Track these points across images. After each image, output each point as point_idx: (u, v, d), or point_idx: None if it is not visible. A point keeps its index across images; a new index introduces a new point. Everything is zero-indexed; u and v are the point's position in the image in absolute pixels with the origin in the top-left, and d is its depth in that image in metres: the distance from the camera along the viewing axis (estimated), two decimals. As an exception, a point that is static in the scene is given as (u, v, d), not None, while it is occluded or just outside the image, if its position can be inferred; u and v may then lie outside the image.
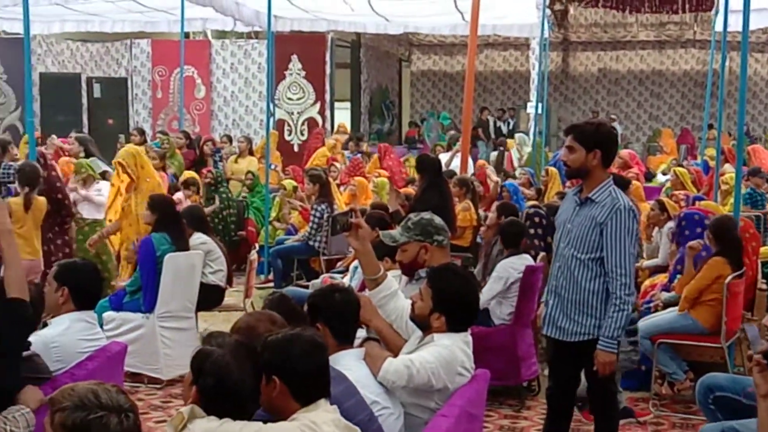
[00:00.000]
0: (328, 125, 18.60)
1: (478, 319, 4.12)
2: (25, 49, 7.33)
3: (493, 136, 21.21)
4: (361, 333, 3.79)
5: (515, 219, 6.84)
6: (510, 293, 6.14)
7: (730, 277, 5.87)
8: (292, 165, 13.42)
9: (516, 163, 15.20)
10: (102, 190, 8.42)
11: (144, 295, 6.51)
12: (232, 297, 7.80)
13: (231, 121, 19.52)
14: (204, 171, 11.11)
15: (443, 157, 11.77)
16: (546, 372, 5.18)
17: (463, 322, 3.66)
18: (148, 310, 6.49)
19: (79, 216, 8.24)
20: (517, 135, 16.95)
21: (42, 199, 7.14)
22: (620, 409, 5.19)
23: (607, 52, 24.74)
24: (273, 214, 10.74)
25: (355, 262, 6.04)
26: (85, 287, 4.30)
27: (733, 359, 6.14)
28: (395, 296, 3.87)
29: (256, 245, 9.35)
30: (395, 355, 3.57)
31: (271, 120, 14.48)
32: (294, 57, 18.80)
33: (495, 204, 8.24)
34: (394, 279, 4.00)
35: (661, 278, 7.40)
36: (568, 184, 10.36)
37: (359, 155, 14.14)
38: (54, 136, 13.26)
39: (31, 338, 3.78)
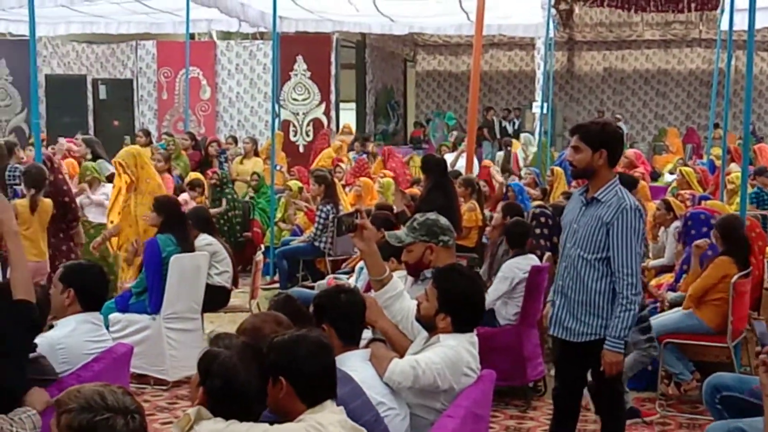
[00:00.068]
0: (333, 126, 18.58)
1: (484, 319, 4.11)
2: (30, 51, 7.33)
3: (498, 136, 21.20)
4: (366, 334, 3.79)
5: (520, 219, 6.84)
6: (515, 293, 6.14)
7: (736, 277, 5.87)
8: (298, 166, 13.40)
9: (521, 163, 15.19)
10: (108, 194, 8.40)
11: (150, 297, 6.51)
12: (237, 298, 7.81)
13: (236, 122, 19.52)
14: (209, 172, 11.09)
15: (448, 158, 11.77)
16: (552, 372, 5.17)
17: (468, 322, 3.66)
18: (154, 311, 6.49)
19: (86, 219, 8.25)
20: (522, 135, 16.95)
21: (48, 201, 7.14)
22: (627, 409, 5.18)
23: (612, 52, 24.70)
24: (278, 215, 10.75)
25: (361, 263, 6.04)
26: (91, 289, 4.31)
27: (739, 359, 6.14)
28: (401, 297, 3.87)
29: (262, 246, 9.37)
30: (401, 356, 3.57)
31: (277, 121, 14.46)
32: (299, 58, 18.79)
33: (500, 204, 8.23)
34: (399, 280, 4.00)
35: (668, 278, 7.40)
36: (573, 184, 10.35)
37: (365, 156, 14.12)
38: (62, 139, 13.25)
39: (37, 340, 3.79)
